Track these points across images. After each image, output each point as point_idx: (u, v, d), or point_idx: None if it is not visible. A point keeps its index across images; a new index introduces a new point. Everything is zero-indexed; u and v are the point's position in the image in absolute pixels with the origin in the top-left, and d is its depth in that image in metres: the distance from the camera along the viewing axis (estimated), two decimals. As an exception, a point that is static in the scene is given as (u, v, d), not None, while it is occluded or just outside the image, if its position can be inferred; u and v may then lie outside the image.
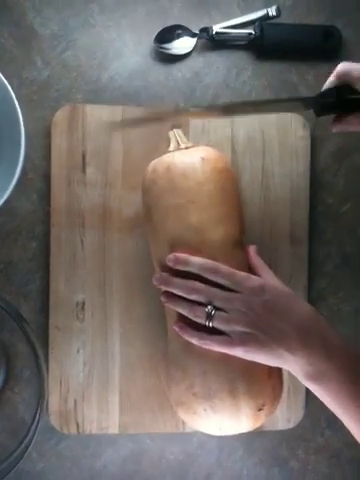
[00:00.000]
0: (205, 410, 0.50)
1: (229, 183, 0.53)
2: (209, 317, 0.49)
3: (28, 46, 0.60)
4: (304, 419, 0.62)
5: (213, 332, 0.49)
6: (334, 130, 0.52)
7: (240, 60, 0.62)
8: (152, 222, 0.53)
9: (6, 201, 0.52)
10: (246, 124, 0.60)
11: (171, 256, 0.51)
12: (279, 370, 0.53)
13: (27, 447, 0.54)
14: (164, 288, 0.52)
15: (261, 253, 0.60)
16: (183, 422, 0.60)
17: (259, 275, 0.52)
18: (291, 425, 0.61)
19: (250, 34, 0.61)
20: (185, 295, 0.50)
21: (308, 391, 0.61)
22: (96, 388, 0.59)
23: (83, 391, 0.59)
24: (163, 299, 0.52)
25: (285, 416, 0.61)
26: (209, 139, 0.60)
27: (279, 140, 0.61)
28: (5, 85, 0.51)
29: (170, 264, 0.51)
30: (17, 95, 0.51)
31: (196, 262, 0.50)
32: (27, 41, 0.60)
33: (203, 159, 0.52)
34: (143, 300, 0.59)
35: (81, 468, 0.61)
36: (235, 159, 0.60)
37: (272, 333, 0.48)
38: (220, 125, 0.60)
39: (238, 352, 0.49)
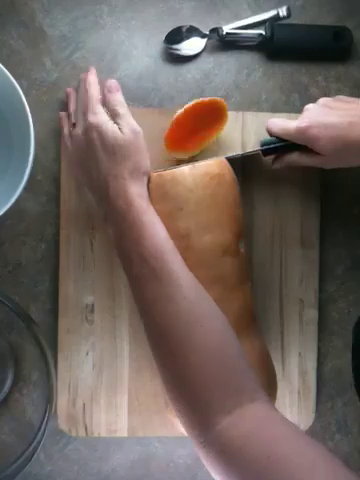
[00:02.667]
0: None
1: (221, 189, 0.52)
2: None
3: (37, 47, 0.59)
4: (314, 423, 0.61)
5: None
6: (274, 167, 0.57)
7: (250, 61, 0.62)
8: None
9: (15, 203, 0.52)
10: (257, 126, 0.60)
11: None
12: (271, 378, 0.53)
13: (35, 449, 0.53)
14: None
15: (272, 256, 0.60)
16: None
17: (114, 114, 0.53)
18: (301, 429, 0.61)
19: (260, 35, 0.61)
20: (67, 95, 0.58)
21: (318, 396, 0.61)
22: (105, 391, 0.59)
23: (92, 394, 0.58)
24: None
25: (295, 420, 0.60)
26: (218, 140, 0.60)
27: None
28: (15, 87, 0.51)
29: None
30: (26, 96, 0.51)
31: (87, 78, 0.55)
32: (36, 42, 0.59)
33: (194, 165, 0.52)
34: (152, 302, 0.59)
35: (89, 471, 0.60)
36: (245, 160, 0.60)
37: (86, 165, 0.52)
38: (230, 126, 0.59)
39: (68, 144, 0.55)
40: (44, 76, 0.59)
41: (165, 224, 0.51)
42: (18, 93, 0.51)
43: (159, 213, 0.51)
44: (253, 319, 0.55)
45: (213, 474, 0.45)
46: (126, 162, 0.51)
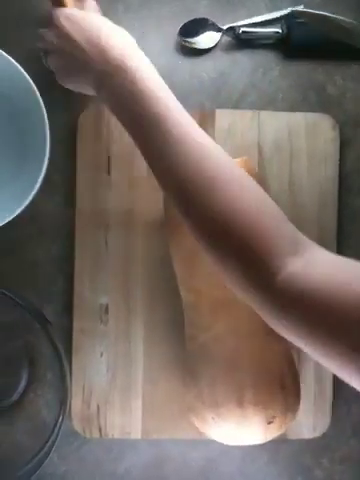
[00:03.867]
0: (213, 419, 0.49)
1: None
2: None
3: (53, 47, 0.59)
4: (329, 428, 0.60)
5: None
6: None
7: (266, 59, 0.61)
8: (171, 226, 0.53)
9: (31, 203, 0.52)
10: (273, 126, 0.59)
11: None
12: (295, 381, 0.52)
13: (49, 450, 0.53)
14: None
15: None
16: (206, 428, 0.59)
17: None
18: (316, 434, 0.60)
19: (277, 33, 0.60)
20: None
21: (334, 400, 0.60)
22: (119, 392, 0.58)
23: (106, 395, 0.58)
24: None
25: (311, 424, 0.59)
26: (235, 142, 0.59)
27: (308, 142, 0.59)
28: (31, 86, 0.51)
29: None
30: (43, 97, 0.51)
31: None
32: (52, 42, 0.59)
33: None
34: (167, 303, 0.58)
35: (103, 473, 0.60)
36: (262, 162, 0.59)
37: (69, 57, 0.50)
38: (247, 127, 0.59)
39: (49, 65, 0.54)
40: (59, 75, 0.59)
41: None
42: (35, 93, 0.51)
43: None
44: None
45: (292, 334, 0.39)
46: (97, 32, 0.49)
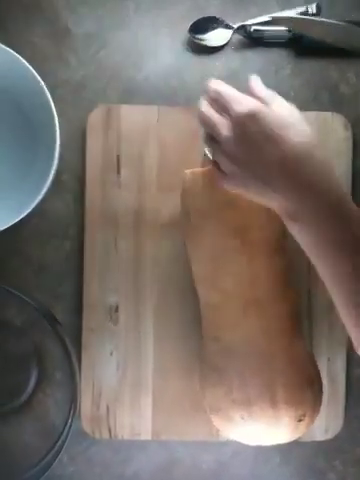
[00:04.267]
0: (243, 418, 0.49)
1: None
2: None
3: (62, 46, 0.59)
4: (342, 430, 0.59)
5: None
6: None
7: (278, 58, 0.60)
8: (190, 225, 0.52)
9: (40, 202, 0.52)
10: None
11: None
12: (319, 378, 0.51)
13: (59, 451, 0.53)
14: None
15: (299, 257, 0.58)
16: (217, 429, 0.58)
17: (263, 102, 0.46)
18: (329, 436, 0.59)
19: (289, 31, 0.59)
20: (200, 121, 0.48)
21: (347, 401, 0.59)
22: (129, 392, 0.58)
23: (116, 395, 0.58)
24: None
25: (323, 426, 0.59)
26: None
27: (320, 141, 0.58)
28: (41, 85, 0.51)
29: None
30: (52, 95, 0.51)
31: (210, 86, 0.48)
32: (61, 41, 0.59)
33: None
34: (177, 302, 0.58)
35: (111, 474, 0.60)
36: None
37: (254, 167, 0.44)
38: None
39: (222, 185, 0.47)
40: (69, 75, 0.59)
41: (214, 221, 0.49)
42: (44, 92, 0.51)
43: (207, 210, 0.50)
44: (302, 319, 0.54)
45: None
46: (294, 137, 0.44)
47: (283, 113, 0.45)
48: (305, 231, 0.44)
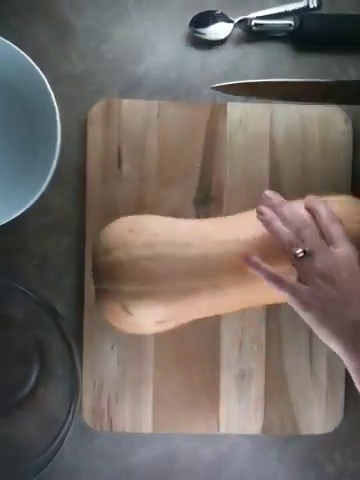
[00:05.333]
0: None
1: None
2: (296, 257, 0.45)
3: (63, 40, 0.59)
4: (342, 423, 0.60)
5: None
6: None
7: (278, 52, 0.60)
8: None
9: (41, 197, 0.52)
10: (286, 118, 0.59)
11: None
12: None
13: (60, 444, 0.53)
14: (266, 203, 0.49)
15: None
16: (217, 423, 0.58)
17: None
18: (328, 429, 0.59)
19: (289, 25, 0.59)
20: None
21: (347, 394, 0.59)
22: (130, 385, 0.58)
23: (117, 388, 0.58)
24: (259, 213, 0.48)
25: (323, 420, 0.59)
26: (247, 135, 0.59)
27: (320, 135, 0.59)
28: (43, 80, 0.51)
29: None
30: (53, 90, 0.51)
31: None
32: (62, 35, 0.59)
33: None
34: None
35: (113, 466, 0.60)
36: (274, 156, 0.59)
37: (333, 320, 0.44)
38: (258, 118, 0.58)
39: (295, 305, 0.46)
40: (70, 69, 0.59)
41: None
42: (45, 86, 0.51)
43: None
44: None
45: None
46: None
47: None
48: None
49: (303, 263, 0.45)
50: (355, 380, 0.46)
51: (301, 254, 0.45)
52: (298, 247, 0.46)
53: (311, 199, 0.49)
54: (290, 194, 0.58)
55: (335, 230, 0.46)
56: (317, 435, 0.60)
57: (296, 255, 0.45)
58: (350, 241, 0.46)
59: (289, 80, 0.56)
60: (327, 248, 0.46)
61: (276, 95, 0.55)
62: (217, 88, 0.55)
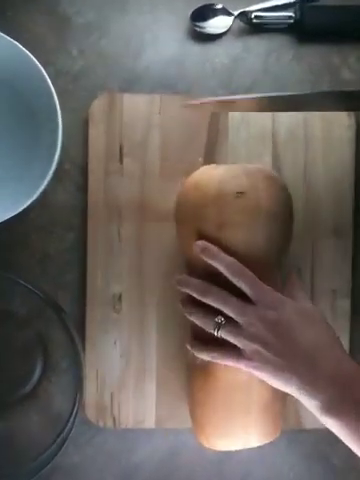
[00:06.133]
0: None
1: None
2: (218, 326, 0.47)
3: (63, 35, 0.59)
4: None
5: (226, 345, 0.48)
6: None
7: (279, 44, 0.60)
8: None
9: (43, 192, 0.52)
10: (288, 113, 0.58)
11: (200, 242, 0.48)
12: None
13: (64, 440, 0.53)
14: (182, 289, 0.50)
15: (304, 247, 0.58)
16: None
17: (290, 293, 0.49)
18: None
19: (290, 17, 0.59)
20: (199, 296, 0.48)
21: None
22: (133, 381, 0.58)
23: (120, 384, 0.58)
24: (181, 304, 0.51)
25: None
26: (249, 130, 0.58)
27: (323, 130, 0.58)
28: (43, 76, 0.51)
29: (197, 250, 0.48)
30: (53, 85, 0.51)
31: (224, 258, 0.47)
32: (61, 30, 0.59)
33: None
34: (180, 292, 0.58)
35: (117, 462, 0.60)
36: (276, 150, 0.58)
37: (280, 353, 0.45)
38: (260, 115, 0.58)
39: (244, 367, 0.47)
40: (70, 64, 0.59)
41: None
42: (46, 81, 0.51)
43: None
44: None
45: None
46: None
47: (305, 306, 0.48)
48: (345, 423, 0.44)
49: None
50: (322, 419, 0.46)
51: (221, 321, 0.47)
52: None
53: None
54: (293, 189, 0.58)
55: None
56: (322, 428, 0.59)
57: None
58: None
59: (269, 95, 0.51)
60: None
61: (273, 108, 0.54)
62: (187, 106, 0.54)
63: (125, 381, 0.58)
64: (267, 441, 0.52)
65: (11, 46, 0.51)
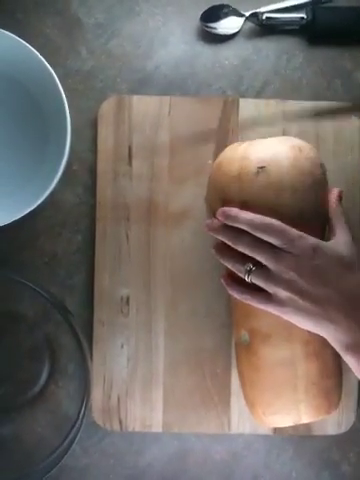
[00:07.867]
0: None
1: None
2: (247, 272, 0.47)
3: (72, 36, 0.59)
4: (356, 422, 0.59)
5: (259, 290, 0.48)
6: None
7: (290, 46, 0.59)
8: None
9: (51, 194, 0.52)
10: (298, 115, 0.58)
11: (220, 210, 0.48)
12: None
13: (71, 443, 0.53)
14: (213, 234, 0.49)
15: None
16: (229, 422, 0.58)
17: (332, 229, 0.48)
18: (342, 430, 0.58)
19: (302, 18, 0.58)
20: (231, 244, 0.48)
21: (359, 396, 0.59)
22: (140, 384, 0.58)
23: (127, 387, 0.58)
24: (213, 250, 0.50)
25: (336, 421, 0.58)
26: (259, 132, 0.58)
27: (334, 130, 0.58)
28: (52, 76, 0.51)
29: (220, 218, 0.48)
30: (62, 86, 0.50)
31: (244, 217, 0.46)
32: (71, 31, 0.59)
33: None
34: (188, 295, 0.57)
35: (125, 465, 0.60)
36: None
37: (314, 300, 0.45)
38: (271, 114, 0.58)
39: (273, 311, 0.47)
40: (79, 65, 0.59)
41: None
42: (55, 82, 0.51)
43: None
44: None
45: None
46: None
47: (344, 245, 0.47)
48: None
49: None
50: (346, 357, 0.46)
51: (250, 267, 0.47)
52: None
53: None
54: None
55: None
56: (332, 435, 0.59)
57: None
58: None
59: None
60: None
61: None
62: None
63: (132, 385, 0.58)
64: (320, 417, 0.51)
65: (21, 47, 0.51)
